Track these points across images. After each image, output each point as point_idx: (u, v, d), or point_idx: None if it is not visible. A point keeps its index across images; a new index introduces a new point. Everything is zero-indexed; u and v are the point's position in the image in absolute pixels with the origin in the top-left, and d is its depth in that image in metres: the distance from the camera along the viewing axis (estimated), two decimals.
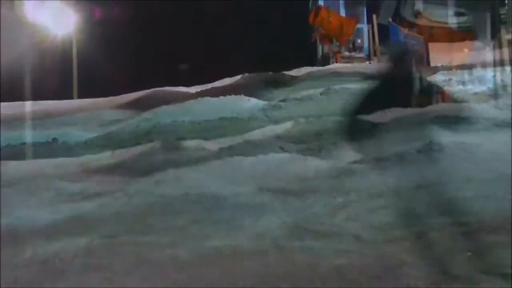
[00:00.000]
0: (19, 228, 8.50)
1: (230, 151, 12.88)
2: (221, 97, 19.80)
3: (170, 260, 7.13)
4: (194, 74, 25.60)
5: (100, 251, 7.56)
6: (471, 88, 18.10)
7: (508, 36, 18.44)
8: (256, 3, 30.53)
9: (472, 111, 15.39)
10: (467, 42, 17.77)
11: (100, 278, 6.77)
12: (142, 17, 29.44)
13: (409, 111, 16.46)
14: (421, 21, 17.57)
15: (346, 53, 29.24)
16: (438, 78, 17.79)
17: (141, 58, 28.39)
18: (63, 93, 24.67)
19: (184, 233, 7.97)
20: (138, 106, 20.65)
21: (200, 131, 15.83)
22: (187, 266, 6.95)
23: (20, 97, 19.53)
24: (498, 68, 17.99)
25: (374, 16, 27.14)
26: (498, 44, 17.96)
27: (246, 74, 25.44)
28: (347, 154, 12.28)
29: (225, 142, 14.23)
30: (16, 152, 14.81)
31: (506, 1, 18.96)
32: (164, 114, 17.85)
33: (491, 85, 18.27)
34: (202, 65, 27.68)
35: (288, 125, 15.41)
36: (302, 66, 27.29)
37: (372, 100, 13.52)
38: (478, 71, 18.13)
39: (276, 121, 16.26)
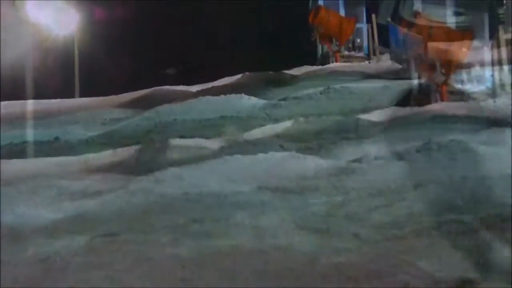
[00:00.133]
0: (21, 227, 8.48)
1: (230, 149, 12.86)
2: (222, 96, 19.79)
3: (170, 258, 7.11)
4: (195, 73, 25.58)
5: (101, 249, 7.54)
6: (470, 87, 18.08)
7: (507, 36, 18.43)
8: (256, 2, 30.53)
9: (471, 110, 15.38)
10: (466, 42, 17.73)
11: (101, 276, 6.75)
12: (143, 17, 29.42)
13: (408, 110, 16.48)
14: (420, 21, 17.53)
15: (346, 53, 29.25)
16: (436, 78, 17.76)
17: (142, 58, 28.38)
18: (65, 92, 24.66)
19: (184, 231, 7.95)
20: (139, 104, 20.64)
21: (200, 129, 15.81)
22: (187, 264, 6.93)
23: (22, 96, 19.53)
24: (497, 68, 17.97)
25: (373, 16, 27.14)
26: (497, 44, 17.95)
27: (247, 73, 25.44)
28: (347, 153, 12.27)
29: (225, 140, 14.22)
30: (18, 151, 14.80)
31: (505, 1, 18.96)
32: (165, 113, 17.84)
33: (489, 84, 18.25)
34: (202, 64, 27.67)
35: (288, 124, 15.40)
36: (302, 65, 27.29)
37: None
38: (476, 70, 18.12)
39: (276, 120, 16.25)
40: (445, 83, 17.79)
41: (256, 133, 14.93)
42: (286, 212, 8.58)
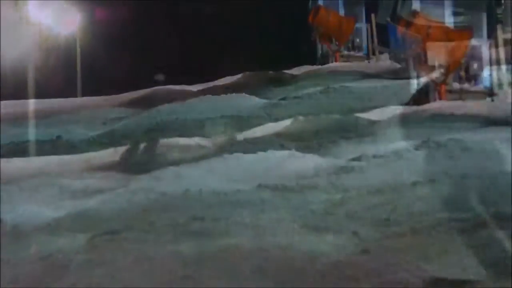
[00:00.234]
0: (22, 225, 8.47)
1: (231, 148, 12.87)
2: (223, 95, 19.78)
3: (171, 256, 7.10)
4: (196, 72, 25.55)
5: (102, 247, 7.54)
6: (468, 86, 18.06)
7: (505, 35, 18.40)
8: (256, 2, 30.51)
9: (469, 109, 15.37)
10: (464, 41, 17.70)
11: (102, 274, 6.75)
12: (145, 17, 29.41)
13: (406, 109, 16.47)
14: (419, 21, 17.50)
15: (345, 52, 29.21)
16: (435, 77, 17.75)
17: (144, 57, 28.36)
18: (67, 91, 24.64)
19: (185, 229, 7.94)
20: (141, 104, 20.62)
21: (201, 128, 15.79)
22: (188, 262, 6.92)
23: (24, 96, 19.51)
24: (495, 67, 17.95)
25: (372, 16, 27.10)
26: (495, 43, 17.91)
27: (247, 73, 25.40)
28: (346, 152, 12.27)
29: (225, 139, 14.23)
30: (21, 150, 14.79)
31: (503, 1, 18.94)
32: (167, 112, 17.83)
33: (487, 84, 18.23)
34: (203, 64, 27.65)
35: (288, 123, 15.39)
36: (302, 65, 27.26)
37: None
38: (474, 70, 18.10)
39: (276, 119, 16.23)
40: (444, 82, 17.77)
41: (256, 132, 14.93)
42: (285, 211, 8.57)
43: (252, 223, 8.03)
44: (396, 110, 16.44)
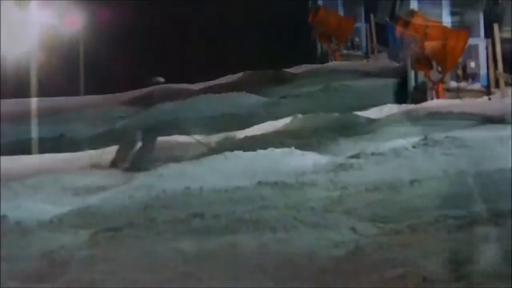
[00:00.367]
0: (26, 221, 8.47)
1: (231, 146, 12.87)
2: (224, 94, 19.78)
3: (172, 252, 7.10)
4: (197, 71, 25.53)
5: (104, 243, 7.54)
6: (465, 85, 18.05)
7: (501, 34, 18.40)
8: (256, 2, 30.50)
9: (466, 107, 15.36)
10: (461, 40, 17.70)
11: (104, 270, 6.75)
12: (146, 17, 29.41)
13: (404, 107, 16.48)
14: (417, 20, 17.49)
15: (345, 51, 29.19)
16: (433, 75, 17.75)
17: (145, 56, 28.34)
18: (70, 90, 24.62)
19: (186, 226, 7.94)
20: (143, 102, 20.61)
21: (202, 127, 15.80)
22: (188, 258, 6.93)
23: (28, 94, 19.50)
24: (491, 65, 17.94)
25: (371, 15, 27.11)
26: (492, 42, 17.91)
27: (248, 72, 25.38)
28: (345, 149, 12.27)
29: (226, 137, 14.23)
30: (25, 147, 14.81)
31: (500, 0, 18.94)
32: (168, 111, 17.83)
33: (484, 82, 18.22)
34: (204, 63, 27.64)
35: (288, 121, 15.40)
36: (302, 63, 27.24)
37: None
38: (471, 69, 18.09)
39: (276, 117, 16.23)
40: (441, 81, 17.77)
41: (257, 130, 14.94)
42: (285, 207, 8.57)
43: (252, 219, 8.02)
44: (394, 108, 16.46)
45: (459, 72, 18.00)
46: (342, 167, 10.55)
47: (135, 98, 21.72)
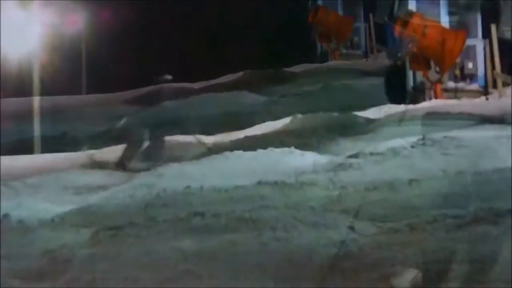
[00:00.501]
0: (27, 220, 8.46)
1: (231, 145, 12.87)
2: (224, 93, 19.82)
3: (173, 250, 7.09)
4: (198, 70, 25.56)
5: (105, 242, 7.53)
6: (463, 85, 18.06)
7: (501, 35, 18.40)
8: (257, 2, 30.51)
9: (464, 107, 15.36)
10: (459, 40, 17.71)
11: (105, 268, 6.74)
12: (148, 17, 29.42)
13: (403, 107, 16.47)
14: (415, 20, 17.49)
15: (344, 51, 29.22)
16: (431, 76, 17.75)
17: (147, 56, 28.36)
18: (72, 89, 24.65)
19: (186, 224, 7.93)
20: (145, 101, 20.65)
21: (203, 126, 15.80)
22: (188, 257, 6.91)
23: (31, 93, 19.51)
24: (489, 65, 17.95)
25: (370, 15, 27.13)
26: (489, 43, 17.91)
27: (248, 71, 25.41)
28: (344, 149, 12.27)
29: (226, 136, 14.24)
30: (27, 146, 14.82)
31: (498, 1, 18.92)
32: (169, 109, 17.85)
33: (482, 83, 18.22)
34: (205, 62, 27.66)
35: (287, 120, 15.40)
36: (302, 63, 27.25)
37: None
38: (469, 69, 18.10)
39: (276, 116, 16.24)
40: (439, 81, 17.77)
41: (257, 129, 14.94)
42: (285, 206, 8.56)
43: (252, 218, 8.01)
44: (392, 108, 16.46)
45: (457, 72, 18.00)
46: (341, 166, 10.55)
47: (137, 97, 21.76)
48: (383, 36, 25.59)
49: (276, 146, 12.12)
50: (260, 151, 11.64)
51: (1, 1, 18.26)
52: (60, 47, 24.10)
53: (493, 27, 17.75)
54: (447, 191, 8.90)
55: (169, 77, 14.08)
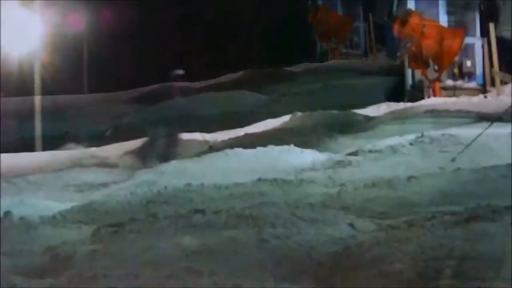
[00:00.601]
0: (29, 217, 8.46)
1: (232, 143, 12.87)
2: (225, 92, 19.81)
3: (174, 247, 7.08)
4: (199, 70, 25.56)
5: (107, 239, 7.52)
6: (461, 83, 18.07)
7: (500, 34, 18.41)
8: (257, 2, 30.53)
9: (462, 105, 15.36)
10: (458, 39, 17.73)
11: (107, 265, 6.73)
12: (149, 17, 29.44)
13: (402, 105, 16.47)
14: (414, 20, 17.51)
15: (344, 50, 29.22)
16: (429, 74, 17.77)
17: (148, 55, 28.38)
18: (74, 88, 24.66)
19: (187, 221, 7.92)
20: (146, 100, 20.62)
21: (203, 124, 15.80)
22: (190, 253, 6.91)
23: (33, 92, 19.52)
24: (487, 64, 17.96)
25: (370, 15, 27.15)
26: (488, 42, 17.93)
27: (248, 70, 25.41)
28: (343, 146, 12.27)
29: (227, 134, 14.24)
30: (29, 144, 14.83)
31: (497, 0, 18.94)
32: (170, 108, 17.82)
33: (480, 81, 18.24)
34: (205, 62, 27.67)
35: (287, 118, 15.40)
36: (302, 62, 27.25)
37: None
38: (468, 67, 18.11)
39: (276, 115, 16.25)
40: (438, 79, 17.78)
41: (257, 127, 14.94)
42: (284, 203, 8.55)
43: (252, 215, 8.00)
44: (391, 106, 16.46)
45: (456, 70, 18.03)
46: (340, 164, 10.55)
47: (138, 96, 21.75)
48: (383, 35, 25.64)
49: (276, 144, 12.13)
50: (260, 148, 11.64)
51: (2, 1, 18.26)
52: (61, 47, 24.10)
53: (491, 26, 17.77)
54: (445, 188, 8.89)
55: (181, 72, 14.17)
